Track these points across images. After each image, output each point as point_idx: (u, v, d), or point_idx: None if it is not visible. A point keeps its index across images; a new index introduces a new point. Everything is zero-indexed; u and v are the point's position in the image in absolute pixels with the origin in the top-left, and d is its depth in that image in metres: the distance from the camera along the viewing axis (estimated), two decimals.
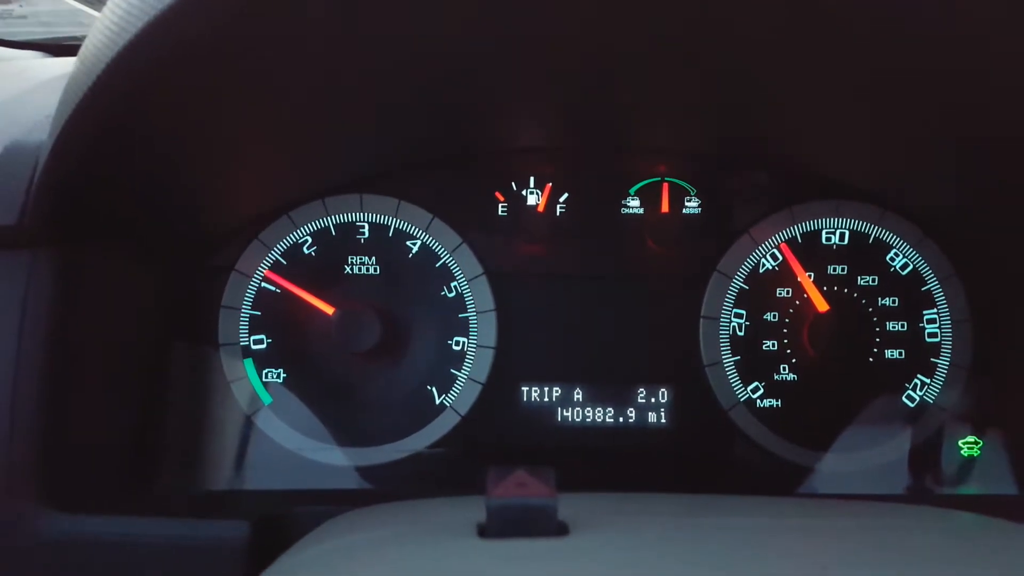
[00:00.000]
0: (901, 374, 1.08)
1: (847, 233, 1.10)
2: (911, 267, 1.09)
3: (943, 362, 1.08)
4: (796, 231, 1.10)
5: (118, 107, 0.66)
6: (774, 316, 1.10)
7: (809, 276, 1.09)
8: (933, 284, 1.08)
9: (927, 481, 1.07)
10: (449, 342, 1.10)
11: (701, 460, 1.10)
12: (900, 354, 1.08)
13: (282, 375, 1.08)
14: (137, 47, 0.60)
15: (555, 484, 0.51)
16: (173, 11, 0.58)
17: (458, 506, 0.57)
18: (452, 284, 1.10)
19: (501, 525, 0.50)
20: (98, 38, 0.63)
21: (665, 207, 1.12)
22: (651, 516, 0.55)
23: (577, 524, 0.51)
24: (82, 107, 0.65)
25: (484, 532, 0.51)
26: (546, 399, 1.10)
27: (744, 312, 1.10)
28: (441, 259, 1.10)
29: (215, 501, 1.02)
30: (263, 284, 1.09)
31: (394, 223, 1.10)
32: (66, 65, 1.18)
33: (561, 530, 0.50)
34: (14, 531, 0.74)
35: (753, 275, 1.10)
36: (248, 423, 1.07)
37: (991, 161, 0.89)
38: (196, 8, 0.58)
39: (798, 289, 1.09)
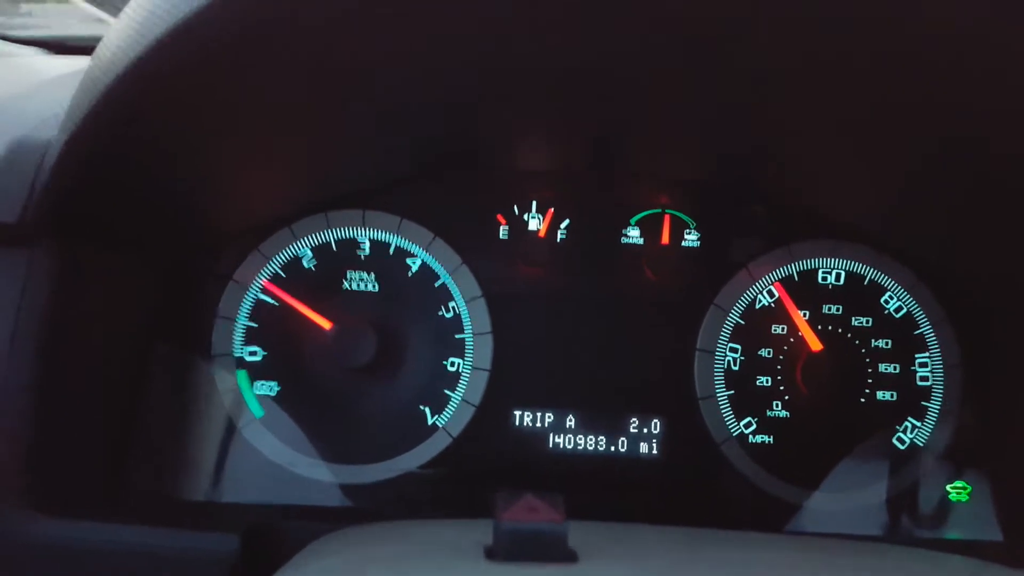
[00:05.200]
0: (892, 416, 1.09)
1: (843, 274, 1.11)
2: (905, 310, 1.11)
3: (934, 406, 1.09)
4: (793, 269, 1.12)
5: (133, 110, 0.66)
6: (768, 352, 1.10)
7: (804, 314, 1.10)
8: (926, 328, 1.10)
9: (914, 524, 1.08)
10: (444, 362, 1.09)
11: (691, 493, 1.10)
12: (892, 396, 1.09)
13: (274, 388, 1.07)
14: (157, 51, 0.60)
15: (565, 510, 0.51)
16: (196, 16, 0.58)
17: (463, 528, 0.56)
18: (450, 304, 1.10)
19: (510, 548, 0.49)
20: (117, 41, 0.63)
21: (665, 239, 1.12)
22: (661, 548, 0.54)
23: (586, 552, 0.50)
24: (97, 109, 0.65)
25: (492, 555, 0.51)
26: (538, 424, 1.09)
27: (739, 347, 1.11)
28: (440, 279, 1.10)
29: (201, 512, 1.00)
30: (260, 295, 1.08)
31: (395, 241, 1.10)
32: (70, 64, 1.17)
33: (570, 557, 0.50)
34: None
35: (749, 310, 1.11)
36: (237, 435, 1.05)
37: (988, 208, 0.91)
38: (218, 13, 0.58)
39: (793, 327, 1.10)
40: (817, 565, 0.57)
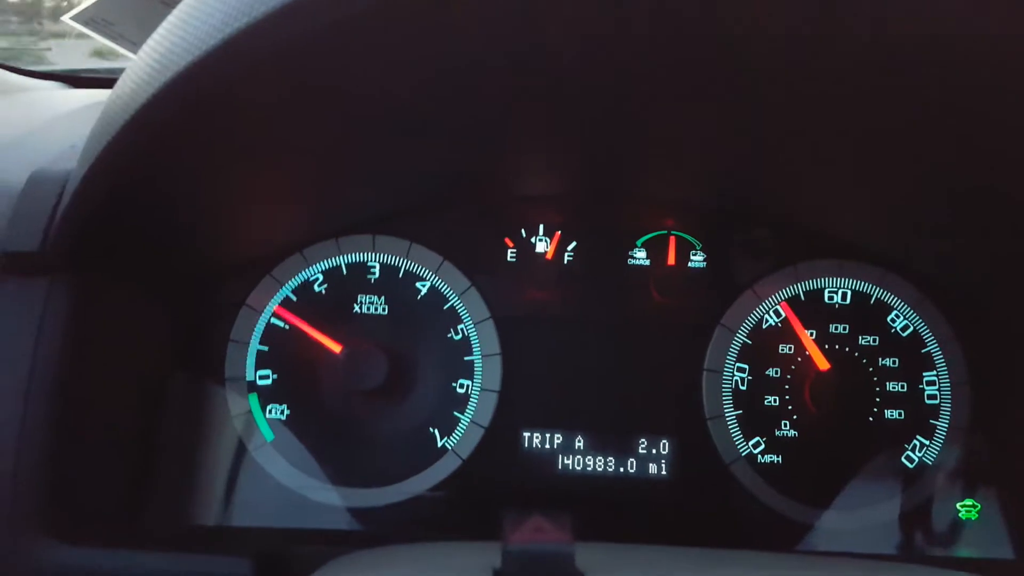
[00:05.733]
0: (901, 435, 1.09)
1: (849, 293, 1.12)
2: (911, 329, 1.11)
3: (942, 424, 1.09)
4: (799, 288, 1.12)
5: (152, 143, 0.68)
6: (776, 372, 1.11)
7: (811, 334, 1.11)
8: (933, 346, 1.10)
9: (925, 542, 1.07)
10: (453, 384, 1.10)
11: (700, 513, 1.10)
12: (900, 415, 1.09)
13: (286, 411, 1.08)
14: (177, 86, 0.62)
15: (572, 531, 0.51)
16: (217, 53, 0.59)
17: (471, 551, 0.57)
18: (459, 327, 1.11)
19: (518, 571, 0.50)
20: (137, 76, 0.65)
21: (671, 260, 1.13)
22: (670, 568, 0.55)
23: (593, 572, 0.51)
24: (116, 140, 0.67)
25: None
26: (547, 445, 1.10)
27: (747, 367, 1.11)
28: (449, 302, 1.11)
29: (214, 536, 1.01)
30: (272, 320, 1.10)
31: (405, 264, 1.12)
32: (88, 97, 1.21)
33: None
34: (16, 562, 0.73)
35: (756, 330, 1.12)
36: (249, 459, 1.06)
37: (993, 226, 0.91)
38: (241, 49, 0.59)
39: (800, 346, 1.11)
40: None
